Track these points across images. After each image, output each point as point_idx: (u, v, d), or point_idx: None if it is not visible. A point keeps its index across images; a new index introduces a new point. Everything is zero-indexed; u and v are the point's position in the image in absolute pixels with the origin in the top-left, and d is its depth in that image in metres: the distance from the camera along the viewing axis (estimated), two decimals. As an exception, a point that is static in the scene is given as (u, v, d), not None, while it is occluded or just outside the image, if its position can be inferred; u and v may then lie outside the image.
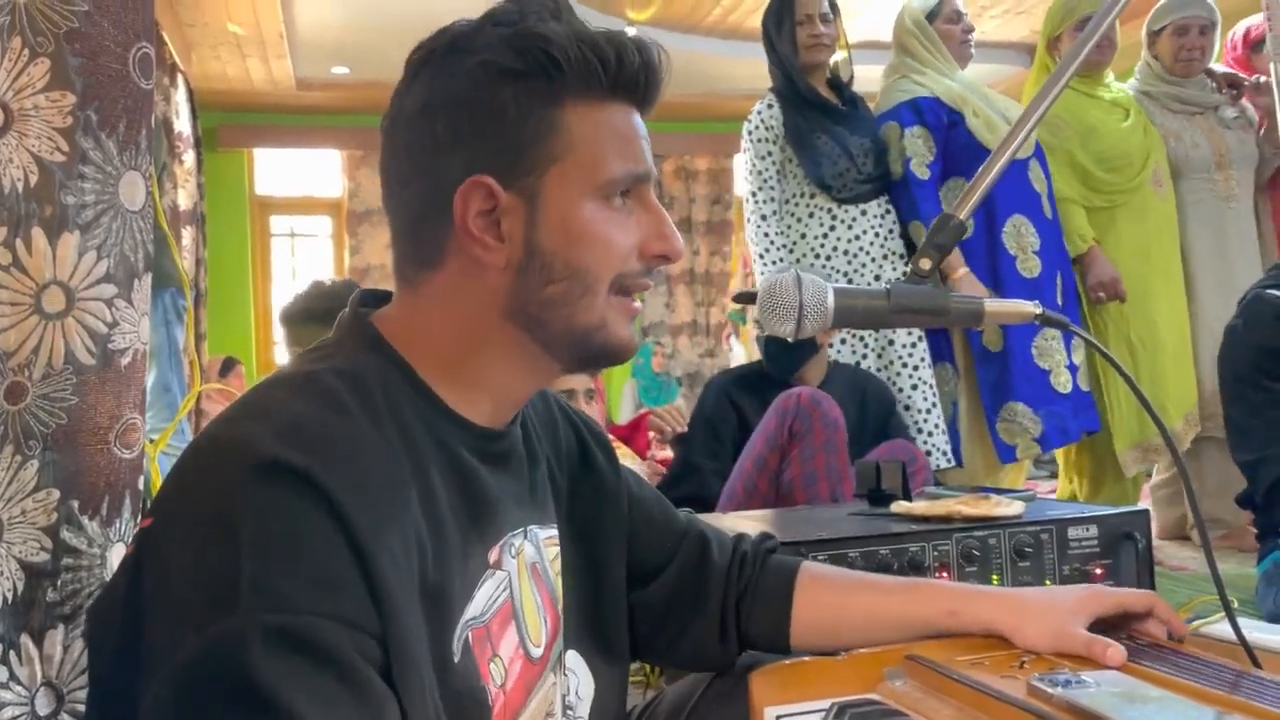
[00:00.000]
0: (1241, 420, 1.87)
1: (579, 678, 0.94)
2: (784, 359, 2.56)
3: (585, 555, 0.96)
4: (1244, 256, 3.14)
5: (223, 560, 0.64)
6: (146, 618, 0.67)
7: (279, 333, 2.98)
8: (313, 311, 2.35)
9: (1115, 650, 0.82)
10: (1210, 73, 3.26)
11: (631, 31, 0.82)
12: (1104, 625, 0.89)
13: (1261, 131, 3.23)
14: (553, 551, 0.91)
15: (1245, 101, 3.26)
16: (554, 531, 0.92)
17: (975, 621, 0.92)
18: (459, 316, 0.81)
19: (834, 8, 2.93)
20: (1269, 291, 1.85)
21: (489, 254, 0.79)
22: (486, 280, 0.80)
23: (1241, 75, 3.29)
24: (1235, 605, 0.97)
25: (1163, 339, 3.05)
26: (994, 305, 0.90)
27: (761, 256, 2.85)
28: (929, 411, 2.83)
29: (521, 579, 0.85)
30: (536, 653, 0.86)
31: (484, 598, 0.81)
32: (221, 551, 0.64)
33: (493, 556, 0.83)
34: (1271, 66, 1.07)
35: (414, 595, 0.71)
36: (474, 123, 0.78)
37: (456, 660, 0.76)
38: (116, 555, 0.90)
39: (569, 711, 0.92)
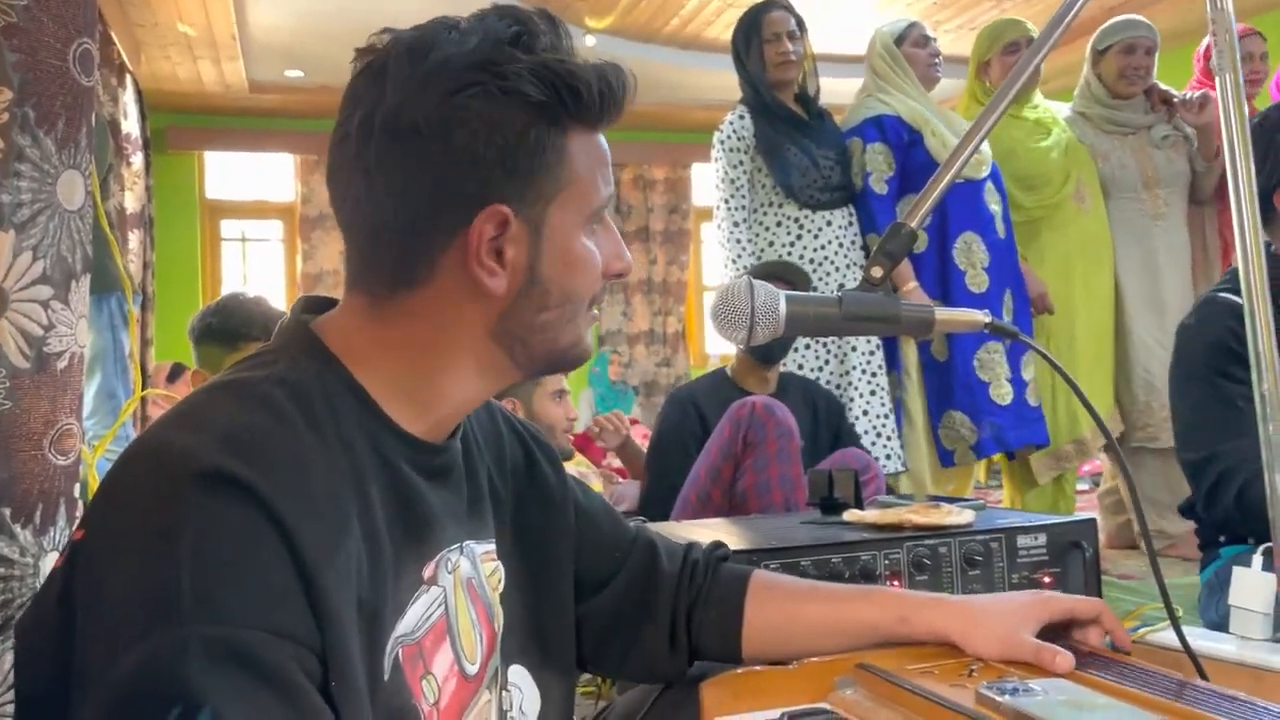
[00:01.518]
0: (1189, 417, 1.87)
1: (523, 693, 0.92)
2: (764, 346, 2.56)
3: (530, 567, 0.95)
4: (1172, 273, 3.26)
5: (162, 571, 0.62)
6: (78, 632, 0.65)
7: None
8: (212, 329, 2.28)
9: (1064, 657, 0.83)
10: (1148, 91, 3.35)
11: (590, 41, 0.83)
12: (1051, 631, 0.90)
13: (1195, 146, 3.32)
14: (489, 567, 0.90)
15: (1180, 118, 3.34)
16: (491, 546, 0.91)
17: (926, 628, 0.92)
18: (437, 333, 0.80)
19: (800, 25, 3.00)
20: (1222, 295, 1.85)
21: (490, 279, 0.78)
22: (479, 303, 0.79)
23: (1174, 92, 3.37)
24: (1180, 614, 0.98)
25: (1080, 352, 3.18)
26: (944, 314, 0.91)
27: (734, 262, 2.91)
28: (886, 417, 2.90)
29: (457, 595, 0.84)
30: (472, 670, 0.85)
31: (416, 615, 0.79)
32: (161, 563, 0.62)
33: (427, 573, 0.81)
34: (1217, 80, 1.09)
35: (353, 609, 0.70)
36: (494, 148, 0.76)
37: (386, 678, 0.74)
38: (50, 564, 0.87)
39: None
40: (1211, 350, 1.80)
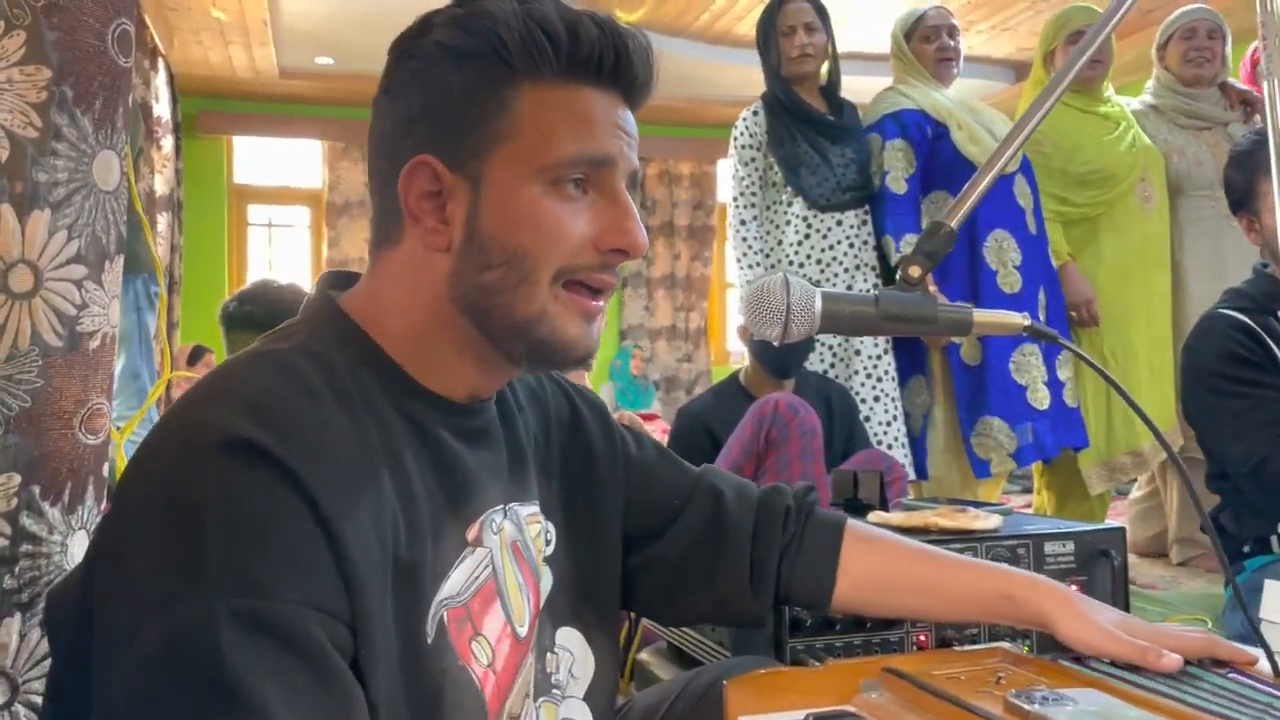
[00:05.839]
0: (1208, 425, 1.88)
1: (574, 656, 0.91)
2: (780, 359, 2.55)
3: (579, 526, 0.93)
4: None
5: (189, 542, 0.62)
6: (97, 611, 0.65)
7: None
8: (253, 317, 2.27)
9: (1170, 658, 0.80)
10: (1224, 87, 3.20)
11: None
12: None
13: None
14: (535, 529, 0.89)
15: (1257, 119, 3.16)
16: (535, 509, 0.90)
17: (1032, 610, 0.89)
18: (413, 298, 0.80)
19: (823, 15, 2.92)
20: (1221, 310, 1.87)
21: (432, 236, 0.78)
22: (434, 263, 0.78)
23: (1253, 92, 3.19)
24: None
25: (1138, 357, 3.01)
26: (982, 315, 0.90)
27: (739, 261, 2.88)
28: (889, 425, 2.81)
29: (504, 557, 0.83)
30: (522, 631, 0.84)
31: (462, 576, 0.79)
32: (187, 534, 0.62)
33: (471, 534, 0.80)
34: (1265, 85, 1.07)
35: (386, 576, 0.70)
36: (424, 103, 0.77)
37: (430, 641, 0.74)
38: (78, 543, 0.87)
39: (555, 691, 0.89)
40: (1218, 360, 1.81)
